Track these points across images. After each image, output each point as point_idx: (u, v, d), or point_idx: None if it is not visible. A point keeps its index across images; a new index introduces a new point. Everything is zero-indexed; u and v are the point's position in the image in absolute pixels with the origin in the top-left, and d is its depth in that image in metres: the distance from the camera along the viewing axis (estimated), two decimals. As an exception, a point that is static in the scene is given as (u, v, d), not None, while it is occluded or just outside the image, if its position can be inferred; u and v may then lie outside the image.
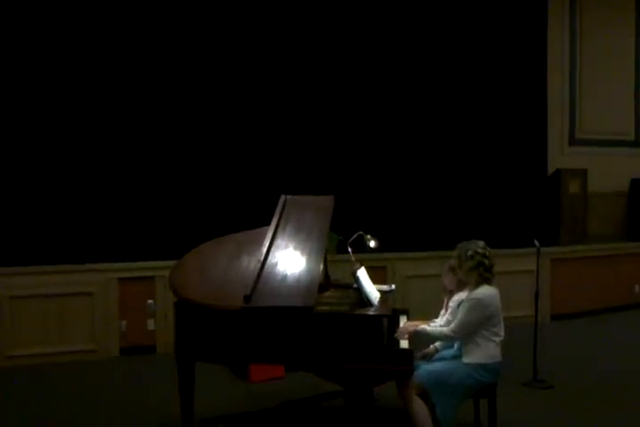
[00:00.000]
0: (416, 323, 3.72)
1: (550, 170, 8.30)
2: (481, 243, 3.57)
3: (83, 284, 5.54)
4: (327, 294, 3.95)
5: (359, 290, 3.59)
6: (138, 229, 6.02)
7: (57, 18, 5.83)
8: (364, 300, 3.52)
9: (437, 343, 3.85)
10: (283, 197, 4.15)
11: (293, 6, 6.69)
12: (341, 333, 3.25)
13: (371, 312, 3.39)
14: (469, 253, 3.50)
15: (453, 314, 3.63)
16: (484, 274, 3.48)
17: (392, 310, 3.83)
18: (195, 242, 4.03)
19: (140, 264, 5.71)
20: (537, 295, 4.98)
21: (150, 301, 5.72)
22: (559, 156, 8.52)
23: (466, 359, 3.46)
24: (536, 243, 4.85)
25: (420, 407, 3.34)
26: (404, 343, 3.47)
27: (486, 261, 3.48)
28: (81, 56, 5.94)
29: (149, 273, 5.69)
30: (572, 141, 8.88)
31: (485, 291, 3.47)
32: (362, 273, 3.65)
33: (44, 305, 5.42)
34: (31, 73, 5.79)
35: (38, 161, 5.83)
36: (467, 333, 3.44)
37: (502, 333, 3.53)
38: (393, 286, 4.26)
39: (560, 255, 7.24)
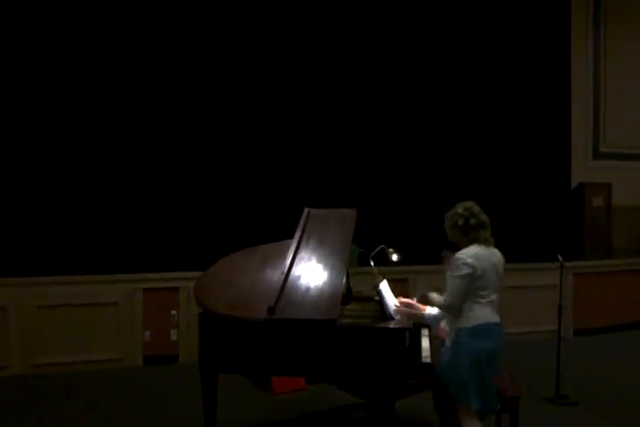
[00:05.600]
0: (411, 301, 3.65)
1: (574, 184, 8.26)
2: (468, 203, 3.42)
3: (108, 294, 5.63)
4: (349, 306, 3.99)
5: (381, 303, 3.61)
6: (163, 240, 6.11)
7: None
8: (385, 313, 3.55)
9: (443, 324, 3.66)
10: (306, 210, 4.21)
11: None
12: (363, 345, 3.27)
13: (392, 325, 3.41)
14: (449, 214, 3.40)
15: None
16: (466, 234, 3.32)
17: (414, 323, 3.83)
18: (219, 254, 4.09)
19: (164, 275, 5.78)
20: (560, 310, 4.95)
21: (174, 311, 5.79)
22: (583, 169, 8.48)
23: (455, 329, 3.29)
24: (559, 257, 4.83)
25: None
26: (427, 358, 3.47)
27: (460, 221, 3.32)
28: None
29: (173, 284, 5.76)
30: (596, 155, 8.83)
31: (467, 251, 3.29)
32: (384, 286, 3.67)
33: (70, 315, 5.50)
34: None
35: (68, 173, 5.96)
36: (458, 298, 3.24)
37: (493, 295, 3.29)
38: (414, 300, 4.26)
39: (583, 270, 7.17)
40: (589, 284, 7.15)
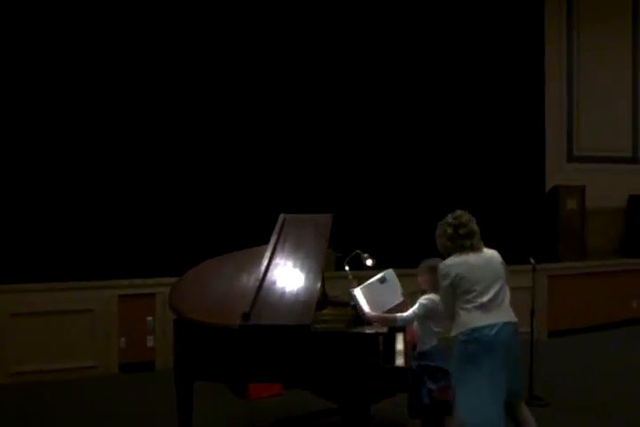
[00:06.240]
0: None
1: (548, 187, 8.36)
2: (458, 212, 3.48)
3: (83, 301, 5.59)
4: (325, 311, 4.00)
5: (356, 308, 3.63)
6: (138, 246, 6.05)
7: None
8: (360, 318, 3.57)
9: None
10: (281, 216, 4.22)
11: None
12: (338, 351, 3.29)
13: (367, 330, 3.43)
14: (440, 223, 3.47)
15: (419, 309, 3.62)
16: (452, 243, 3.37)
17: (388, 327, 3.86)
18: (195, 260, 4.08)
19: (139, 281, 5.76)
20: (532, 312, 5.02)
21: (150, 318, 5.76)
22: (557, 172, 8.58)
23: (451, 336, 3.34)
24: (531, 260, 4.90)
25: None
26: (400, 361, 3.50)
27: (449, 230, 3.37)
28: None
29: (149, 290, 5.73)
30: (570, 158, 8.94)
31: (447, 260, 3.37)
32: (358, 291, 3.70)
33: (44, 322, 5.45)
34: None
35: (36, 178, 5.85)
36: (448, 307, 3.34)
37: (483, 297, 3.26)
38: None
39: (558, 272, 7.28)
40: (564, 286, 7.25)
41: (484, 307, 3.26)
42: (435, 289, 3.68)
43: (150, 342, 5.76)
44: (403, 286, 3.98)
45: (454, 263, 3.32)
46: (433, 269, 3.67)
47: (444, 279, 3.30)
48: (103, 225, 6.02)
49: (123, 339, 5.70)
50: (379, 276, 3.92)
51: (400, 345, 3.76)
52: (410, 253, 6.82)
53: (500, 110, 7.76)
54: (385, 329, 3.49)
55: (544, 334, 6.88)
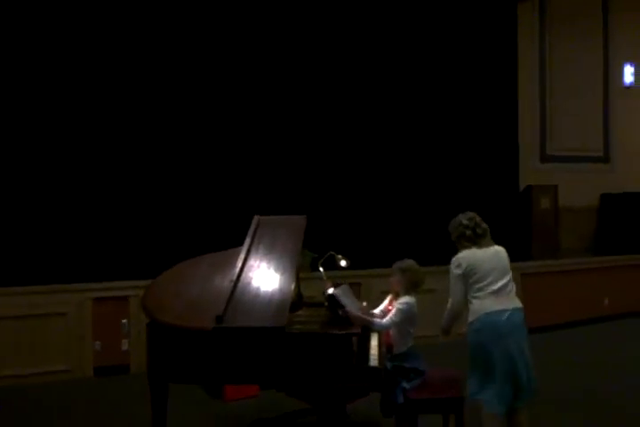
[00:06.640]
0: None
1: (522, 186, 8.46)
2: (470, 213, 3.77)
3: (56, 304, 5.52)
4: (299, 312, 4.00)
5: (330, 309, 3.64)
6: (112, 248, 6.01)
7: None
8: (335, 318, 3.58)
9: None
10: (256, 218, 4.22)
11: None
12: (312, 352, 3.30)
13: (340, 331, 3.44)
14: (454, 225, 3.74)
15: (397, 315, 3.65)
16: (464, 243, 3.67)
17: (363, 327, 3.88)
18: (169, 262, 4.06)
19: (113, 284, 5.71)
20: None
21: (124, 321, 5.72)
22: (530, 172, 8.69)
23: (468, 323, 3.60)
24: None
25: None
26: (374, 361, 3.52)
27: (467, 231, 3.66)
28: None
29: (123, 293, 5.69)
30: (543, 158, 9.07)
31: (462, 253, 3.64)
32: (337, 291, 3.70)
33: (17, 326, 5.38)
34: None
35: (7, 182, 5.79)
36: (460, 296, 3.58)
37: (496, 284, 3.56)
38: (364, 303, 4.32)
39: (532, 270, 7.37)
40: (537, 284, 7.34)
41: (495, 294, 3.55)
42: (407, 290, 3.72)
43: (125, 345, 5.72)
44: (377, 285, 4.04)
45: (466, 256, 3.62)
46: (405, 271, 3.72)
47: (457, 268, 3.58)
48: (76, 227, 5.96)
49: (97, 342, 5.65)
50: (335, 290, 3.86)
51: (374, 345, 3.78)
52: (386, 252, 6.91)
53: (474, 111, 7.84)
54: (358, 330, 3.50)
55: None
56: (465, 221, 3.70)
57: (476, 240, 3.66)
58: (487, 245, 3.68)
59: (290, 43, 6.88)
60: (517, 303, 3.64)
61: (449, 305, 3.65)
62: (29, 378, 5.36)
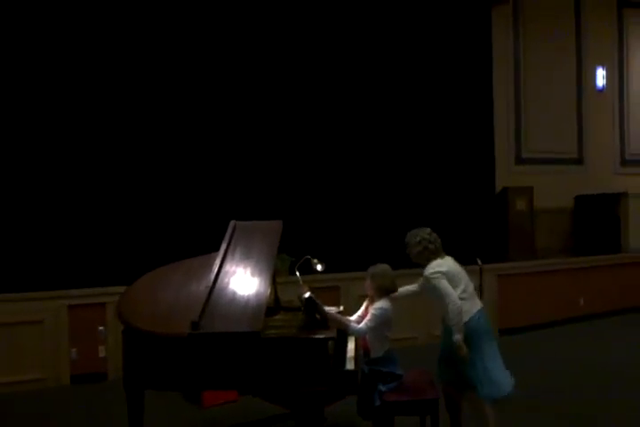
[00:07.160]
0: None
1: (498, 188, 8.56)
2: (427, 229, 4.00)
3: (32, 312, 5.47)
4: (277, 317, 4.01)
5: (307, 313, 3.65)
6: (87, 255, 5.96)
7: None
8: (311, 322, 3.59)
9: None
10: (232, 223, 4.21)
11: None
12: (289, 356, 3.30)
13: (317, 335, 3.45)
14: (415, 239, 3.94)
15: (372, 321, 3.67)
16: (429, 256, 3.91)
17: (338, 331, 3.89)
18: (145, 268, 4.04)
19: (89, 291, 5.66)
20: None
21: (101, 327, 5.68)
22: (506, 174, 8.80)
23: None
24: (478, 261, 4.99)
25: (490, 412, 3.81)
26: (350, 364, 3.54)
27: (431, 246, 3.91)
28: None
29: (99, 299, 5.64)
30: (519, 160, 9.19)
31: (435, 263, 3.87)
32: (309, 295, 3.71)
33: (-8, 334, 5.33)
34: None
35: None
36: (455, 298, 3.72)
37: (469, 289, 3.87)
38: (341, 308, 4.33)
39: (508, 271, 7.45)
40: (513, 284, 7.43)
41: (473, 295, 3.91)
42: (380, 295, 3.74)
43: (102, 352, 5.68)
44: (356, 289, 4.03)
45: (441, 264, 3.87)
46: (374, 276, 3.75)
47: (441, 277, 3.79)
48: (50, 234, 5.90)
49: (74, 350, 5.60)
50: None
51: (351, 348, 3.80)
52: (364, 255, 6.94)
53: (450, 114, 7.91)
54: (334, 334, 3.51)
55: (495, 332, 7.00)
56: (426, 236, 3.93)
57: (437, 252, 3.92)
58: (444, 255, 3.95)
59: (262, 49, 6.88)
60: (480, 304, 3.98)
61: (450, 305, 3.71)
62: (4, 387, 5.29)
